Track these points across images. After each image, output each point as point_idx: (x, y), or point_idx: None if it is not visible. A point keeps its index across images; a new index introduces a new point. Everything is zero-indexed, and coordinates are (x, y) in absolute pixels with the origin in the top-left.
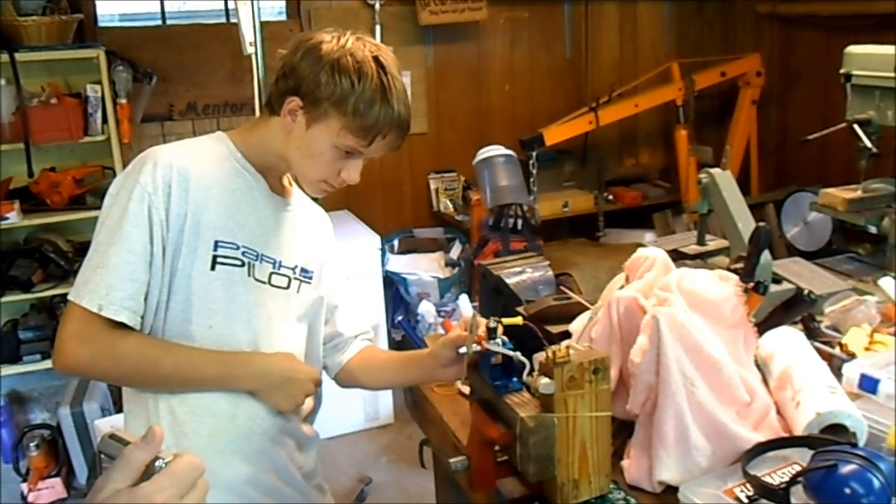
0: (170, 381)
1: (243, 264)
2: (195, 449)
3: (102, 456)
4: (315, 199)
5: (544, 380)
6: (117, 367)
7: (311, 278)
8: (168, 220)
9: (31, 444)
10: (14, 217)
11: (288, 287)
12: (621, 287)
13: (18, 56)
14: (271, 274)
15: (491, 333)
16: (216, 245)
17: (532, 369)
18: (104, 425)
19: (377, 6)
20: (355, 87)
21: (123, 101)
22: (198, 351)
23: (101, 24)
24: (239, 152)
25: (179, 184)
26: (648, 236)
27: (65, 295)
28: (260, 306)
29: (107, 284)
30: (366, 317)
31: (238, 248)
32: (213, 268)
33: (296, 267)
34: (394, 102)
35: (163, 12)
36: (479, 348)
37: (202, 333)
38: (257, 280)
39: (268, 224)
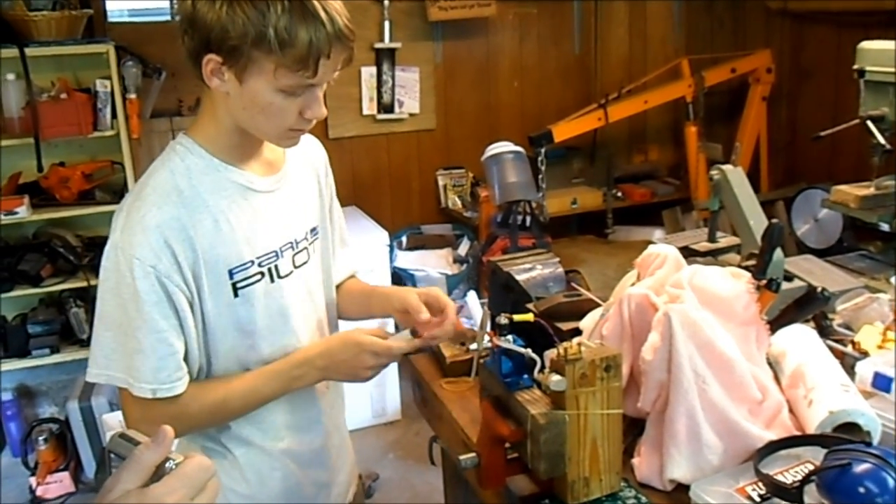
0: (243, 412)
1: (263, 275)
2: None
3: (112, 455)
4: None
5: (555, 377)
6: (195, 426)
7: (318, 233)
8: (184, 277)
9: (40, 438)
10: (23, 212)
11: (309, 258)
12: (633, 284)
13: (28, 51)
14: (294, 256)
15: (502, 330)
16: (231, 274)
17: (543, 366)
18: (112, 419)
19: (386, 2)
20: (267, 16)
21: (133, 96)
22: (253, 375)
23: (111, 19)
24: (212, 156)
25: (178, 238)
26: (657, 233)
27: (74, 290)
28: (291, 299)
29: (150, 369)
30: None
31: (253, 263)
32: (235, 295)
33: (307, 233)
34: (320, 14)
35: (172, 8)
36: (490, 345)
37: (249, 355)
38: (283, 277)
39: (272, 215)
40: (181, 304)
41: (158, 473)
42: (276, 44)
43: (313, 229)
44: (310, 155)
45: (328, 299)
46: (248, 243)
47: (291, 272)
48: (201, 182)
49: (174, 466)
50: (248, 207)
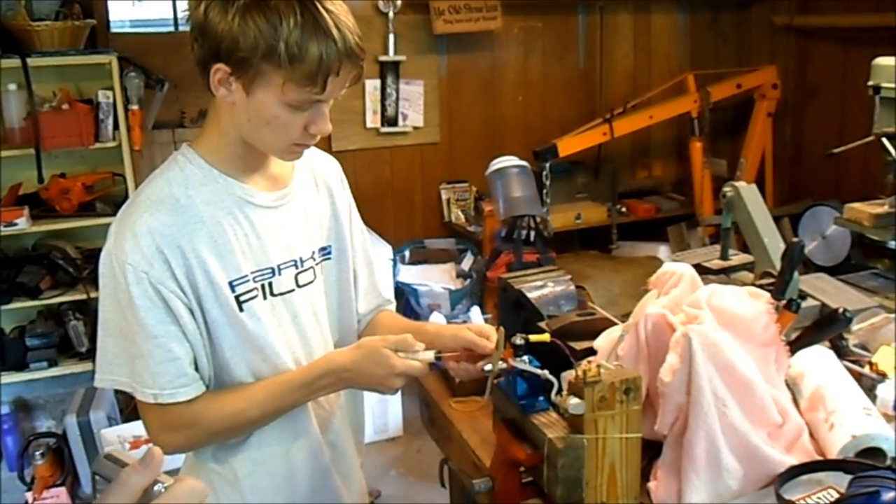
0: (263, 422)
1: (259, 291)
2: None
3: (98, 477)
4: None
5: (574, 400)
6: (214, 436)
7: (329, 253)
8: (179, 284)
9: (37, 453)
10: (23, 223)
11: (315, 277)
12: None
13: (30, 61)
14: (297, 275)
15: (517, 351)
16: (232, 287)
17: (560, 388)
18: (111, 434)
19: (391, 14)
20: (279, 30)
21: (135, 107)
22: (272, 383)
23: (114, 30)
24: (212, 167)
25: (169, 245)
26: (662, 249)
27: (73, 302)
28: (290, 321)
29: (150, 373)
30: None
31: (248, 278)
32: (241, 309)
33: (314, 253)
34: (332, 31)
35: (175, 19)
36: (505, 366)
37: (262, 368)
38: (279, 295)
39: (274, 231)
40: (178, 309)
41: (146, 497)
42: (286, 58)
43: (323, 249)
44: (322, 172)
45: (342, 324)
46: (245, 257)
47: (292, 290)
48: (199, 192)
49: (163, 490)
50: (246, 221)
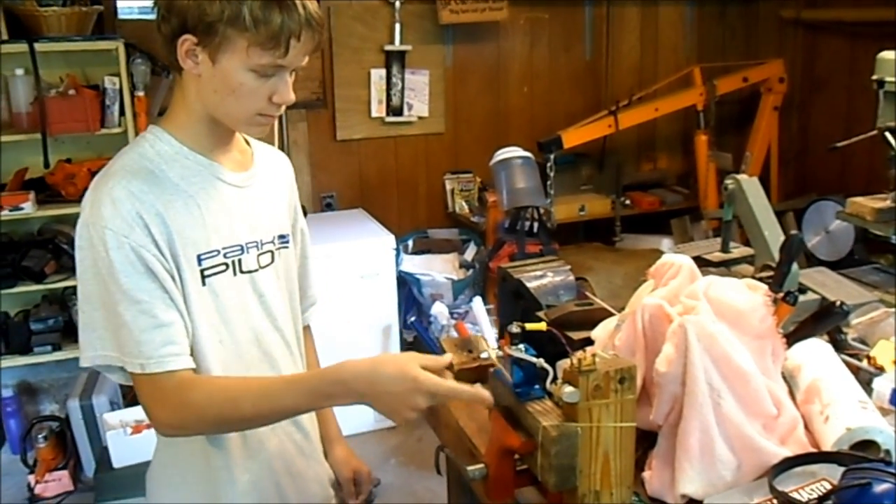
0: (257, 419)
1: (228, 267)
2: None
3: None
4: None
5: (569, 388)
6: (203, 419)
7: (287, 242)
8: (160, 249)
9: (40, 436)
10: (28, 207)
11: (273, 261)
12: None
13: (38, 46)
14: (259, 256)
15: (513, 339)
16: (199, 260)
17: (555, 377)
18: (113, 419)
19: (397, 4)
20: None
21: (141, 94)
22: (273, 380)
23: (121, 16)
24: (181, 144)
25: (148, 210)
26: (666, 242)
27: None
28: (253, 300)
29: (134, 342)
30: (378, 314)
31: (219, 253)
32: (203, 283)
33: (274, 238)
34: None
35: None
36: (500, 354)
37: (214, 350)
38: (246, 272)
39: (241, 210)
40: (161, 274)
41: None
42: (250, 21)
43: (282, 236)
44: (280, 169)
45: (293, 312)
46: (217, 231)
47: (256, 270)
48: (171, 167)
49: None
50: (218, 197)
